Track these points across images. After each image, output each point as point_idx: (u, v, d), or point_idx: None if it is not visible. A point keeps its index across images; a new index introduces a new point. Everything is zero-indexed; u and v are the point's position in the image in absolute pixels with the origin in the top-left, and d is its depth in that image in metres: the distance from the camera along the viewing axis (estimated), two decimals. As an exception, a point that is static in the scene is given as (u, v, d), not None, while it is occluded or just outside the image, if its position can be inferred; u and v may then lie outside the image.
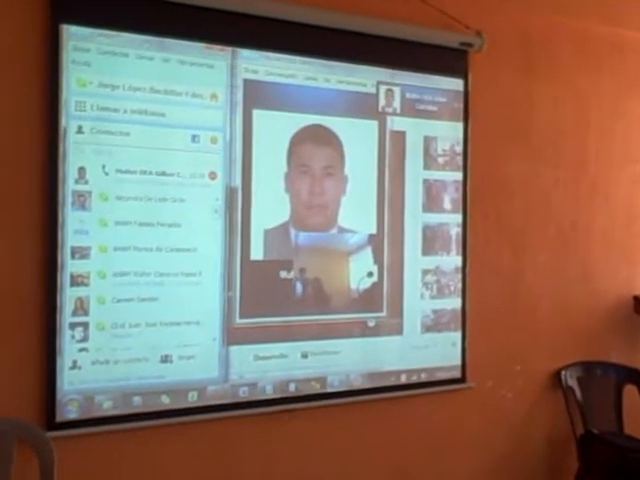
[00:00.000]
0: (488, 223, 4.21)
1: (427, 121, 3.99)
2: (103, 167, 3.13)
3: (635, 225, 4.81)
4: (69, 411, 3.06)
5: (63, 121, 3.05)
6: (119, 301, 3.16)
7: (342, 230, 3.74)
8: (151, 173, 3.23)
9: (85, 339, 3.08)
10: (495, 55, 4.16)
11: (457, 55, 4.07)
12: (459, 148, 4.09)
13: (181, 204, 3.30)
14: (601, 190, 4.64)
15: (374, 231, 3.82)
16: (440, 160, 4.04)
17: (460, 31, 4.03)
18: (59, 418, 3.04)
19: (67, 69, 3.06)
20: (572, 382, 4.38)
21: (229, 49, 3.43)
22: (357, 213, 3.79)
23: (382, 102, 3.85)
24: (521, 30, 4.32)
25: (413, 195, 3.94)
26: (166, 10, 3.26)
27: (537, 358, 4.37)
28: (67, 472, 2.99)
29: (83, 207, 3.09)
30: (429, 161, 4.00)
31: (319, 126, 3.68)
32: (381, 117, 3.85)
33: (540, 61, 4.40)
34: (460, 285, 4.07)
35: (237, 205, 3.45)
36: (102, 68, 3.13)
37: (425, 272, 3.97)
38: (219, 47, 3.41)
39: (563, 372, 4.39)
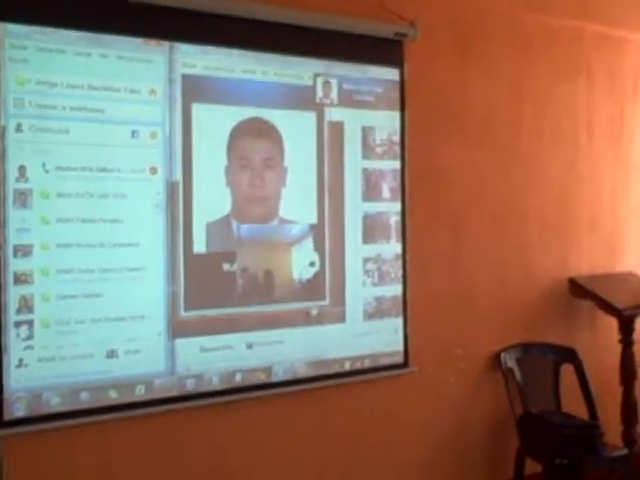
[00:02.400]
0: (427, 210, 4.29)
1: (364, 111, 4.06)
2: (43, 165, 3.12)
3: (569, 208, 4.95)
4: (17, 409, 3.05)
5: (2, 119, 3.04)
6: (63, 298, 3.16)
7: (283, 221, 3.78)
8: (91, 169, 3.24)
9: (30, 337, 3.08)
10: (429, 44, 4.23)
11: (392, 45, 4.13)
12: (397, 137, 4.16)
13: (122, 199, 3.31)
14: (534, 174, 4.76)
15: (315, 221, 3.88)
16: (378, 150, 4.10)
17: (394, 22, 4.09)
18: (7, 416, 3.03)
19: (4, 67, 3.05)
20: (511, 363, 4.49)
21: (166, 44, 3.45)
22: (298, 204, 3.84)
23: (319, 94, 3.91)
24: (454, 19, 4.40)
25: (352, 185, 4.01)
26: (102, 6, 3.27)
27: (477, 341, 4.48)
28: (17, 470, 3.00)
29: (24, 205, 3.08)
30: (367, 151, 4.06)
31: (258, 119, 3.72)
32: (319, 108, 3.91)
33: (473, 49, 4.49)
34: (401, 272, 4.15)
35: (178, 199, 3.47)
36: (40, 65, 3.12)
37: (366, 260, 4.04)
38: (156, 42, 3.42)
39: (502, 354, 4.50)
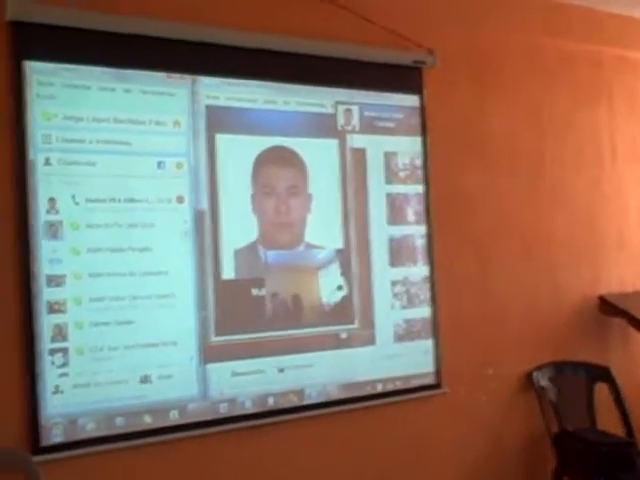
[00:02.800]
0: (452, 233, 4.32)
1: (386, 137, 4.13)
2: (73, 197, 3.22)
3: (597, 228, 4.96)
4: (54, 435, 3.12)
5: (31, 154, 3.14)
6: (96, 325, 3.23)
7: (309, 246, 3.84)
8: (119, 200, 3.33)
9: (65, 364, 3.15)
10: (448, 71, 4.31)
11: (411, 73, 4.22)
12: (419, 162, 4.22)
13: (151, 229, 3.39)
14: (559, 196, 4.79)
15: (341, 246, 3.93)
16: (401, 174, 4.17)
17: (413, 50, 4.17)
18: (44, 442, 3.09)
19: (32, 103, 3.16)
20: (544, 382, 4.48)
21: (189, 77, 3.55)
22: (323, 229, 3.90)
23: (341, 121, 3.99)
24: (472, 45, 4.47)
25: (377, 209, 4.07)
26: (125, 42, 3.38)
27: (508, 361, 4.48)
28: None
29: (55, 236, 3.17)
30: (390, 175, 4.13)
31: (281, 147, 3.80)
32: (341, 135, 3.98)
33: (492, 74, 4.56)
34: (429, 294, 4.18)
35: (206, 227, 3.54)
36: (66, 101, 3.24)
37: (394, 283, 4.08)
38: (179, 76, 3.53)
39: (535, 373, 4.49)
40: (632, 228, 5.11)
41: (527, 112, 4.70)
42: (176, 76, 3.52)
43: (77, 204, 3.23)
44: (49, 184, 3.18)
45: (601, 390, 4.62)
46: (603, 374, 4.63)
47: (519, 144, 4.66)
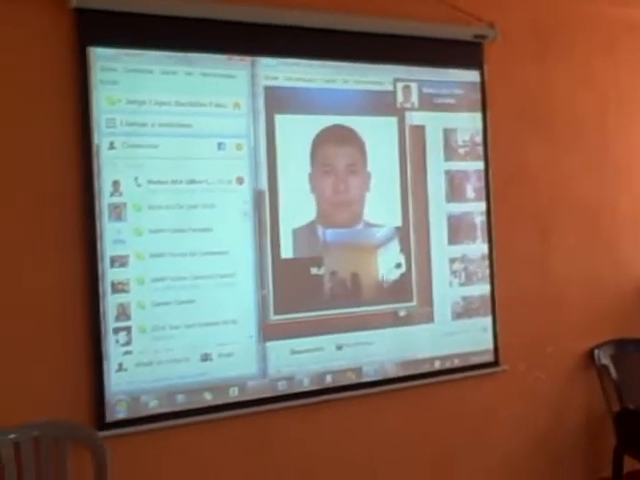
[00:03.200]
0: (512, 210, 4.30)
1: (445, 114, 4.11)
2: (135, 179, 3.30)
3: (661, 205, 4.87)
4: (118, 411, 3.23)
5: (95, 138, 3.23)
6: (158, 305, 3.32)
7: (368, 225, 3.87)
8: (181, 182, 3.40)
9: (129, 342, 3.26)
10: (509, 45, 4.25)
11: (471, 48, 4.17)
12: (479, 138, 4.19)
13: (211, 209, 3.46)
14: (623, 172, 4.70)
15: (399, 224, 3.95)
16: (461, 151, 4.14)
17: (473, 24, 4.12)
18: (109, 418, 3.21)
19: (96, 89, 3.24)
20: (606, 360, 4.45)
21: (249, 59, 3.58)
22: (382, 208, 3.92)
23: (400, 98, 3.98)
24: (533, 18, 4.40)
25: (436, 186, 4.06)
26: (186, 26, 3.42)
27: (568, 339, 4.46)
28: (119, 469, 3.15)
29: (119, 218, 3.27)
30: (450, 152, 4.11)
31: (339, 126, 3.81)
32: (400, 113, 3.97)
33: (554, 47, 4.48)
34: (488, 272, 4.17)
35: (265, 207, 3.60)
36: (129, 85, 3.31)
37: (452, 260, 4.09)
38: (239, 57, 3.56)
39: (596, 351, 4.46)
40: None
41: (591, 86, 4.61)
42: (236, 58, 3.55)
43: (139, 186, 3.31)
44: (113, 167, 3.26)
45: (663, 368, 4.58)
46: (666, 352, 4.58)
47: (583, 119, 4.58)
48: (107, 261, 3.23)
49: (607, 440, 4.37)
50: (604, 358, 4.47)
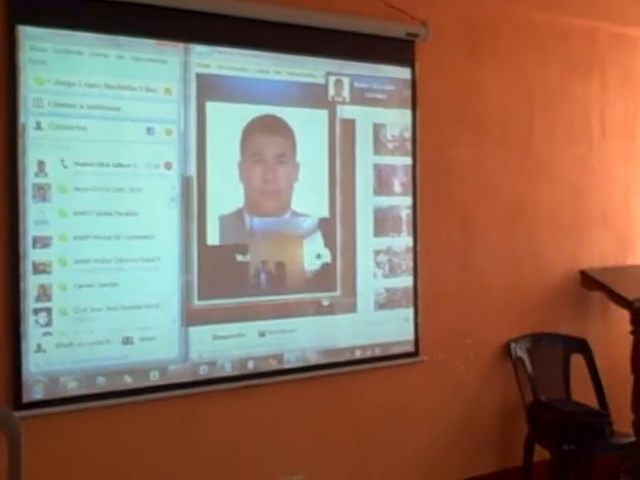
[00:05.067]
0: (438, 205, 4.40)
1: (376, 109, 4.18)
2: (62, 160, 3.29)
3: (582, 203, 5.02)
4: (35, 392, 3.22)
5: (22, 117, 3.21)
6: (81, 287, 3.32)
7: (295, 214, 3.92)
8: (108, 165, 3.40)
9: (49, 324, 3.25)
10: (441, 43, 4.33)
11: (404, 45, 4.25)
12: (408, 134, 4.27)
13: (138, 193, 3.47)
14: (546, 170, 4.85)
15: (326, 214, 4.01)
16: (390, 146, 4.22)
17: (406, 22, 4.19)
18: (26, 399, 3.20)
19: (24, 68, 3.21)
20: (521, 353, 4.59)
21: (181, 45, 3.59)
22: (310, 198, 3.97)
23: (331, 92, 4.03)
24: (465, 18, 4.49)
25: (364, 179, 4.13)
26: (119, 9, 3.41)
27: (488, 331, 4.58)
28: (35, 450, 3.10)
29: (43, 199, 3.25)
30: (379, 147, 4.18)
31: (270, 116, 3.85)
32: (331, 106, 4.03)
33: (485, 48, 4.58)
34: (411, 264, 4.26)
35: (193, 193, 3.62)
36: (58, 66, 3.29)
37: (377, 252, 4.17)
38: (172, 43, 3.57)
39: (512, 344, 4.60)
40: (617, 204, 5.18)
41: (520, 86, 4.74)
42: (168, 44, 3.56)
43: (66, 167, 3.30)
44: (39, 147, 3.24)
45: (577, 362, 4.73)
46: (580, 346, 4.75)
47: (510, 118, 4.71)
48: (29, 241, 3.21)
49: (520, 430, 4.51)
50: (520, 351, 4.61)
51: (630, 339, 4.70)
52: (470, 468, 4.49)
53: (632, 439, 4.45)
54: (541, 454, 4.42)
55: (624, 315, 4.74)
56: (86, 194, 3.34)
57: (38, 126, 3.24)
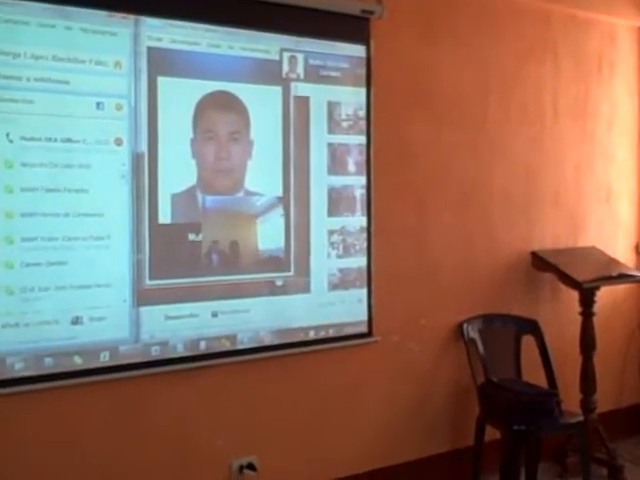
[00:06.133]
0: (392, 185, 4.36)
1: (331, 87, 4.12)
2: (7, 135, 3.17)
3: (534, 184, 5.04)
4: (-20, 373, 3.14)
5: (-35, 89, 3.09)
6: (27, 265, 3.22)
7: (249, 193, 3.86)
8: (56, 140, 3.29)
9: (-6, 303, 3.15)
10: (396, 22, 4.29)
11: (358, 22, 4.19)
12: (362, 113, 4.23)
13: (87, 170, 3.37)
14: (499, 151, 4.84)
15: (280, 193, 3.95)
16: (344, 124, 4.18)
17: (361, -1, 4.15)
18: (-30, 379, 3.11)
19: (-33, 37, 3.09)
20: (474, 334, 4.60)
21: (132, 17, 3.49)
22: (263, 176, 3.91)
23: (286, 68, 3.97)
24: (421, -4, 4.47)
25: (318, 158, 4.08)
26: (67, -22, 3.30)
27: (441, 312, 4.58)
28: None
29: (-12, 174, 3.14)
30: (333, 125, 4.13)
31: (224, 92, 3.78)
32: (285, 83, 3.97)
33: (440, 26, 4.55)
34: (365, 244, 4.23)
35: (144, 170, 3.53)
36: (3, 36, 3.16)
37: (331, 232, 4.13)
38: (122, 15, 3.46)
39: (465, 325, 4.61)
40: (568, 186, 5.21)
41: (474, 66, 4.72)
42: (118, 15, 3.45)
43: (11, 142, 3.18)
44: (-17, 120, 3.13)
45: (528, 342, 4.76)
46: (531, 327, 4.78)
47: (464, 97, 4.69)
48: (-28, 218, 3.11)
49: (472, 410, 4.53)
50: (472, 332, 4.62)
51: (579, 320, 4.76)
52: (423, 448, 4.50)
53: (580, 418, 4.50)
54: (492, 434, 4.44)
55: (574, 296, 4.79)
56: (33, 170, 3.23)
57: (-18, 98, 3.13)
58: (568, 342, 4.82)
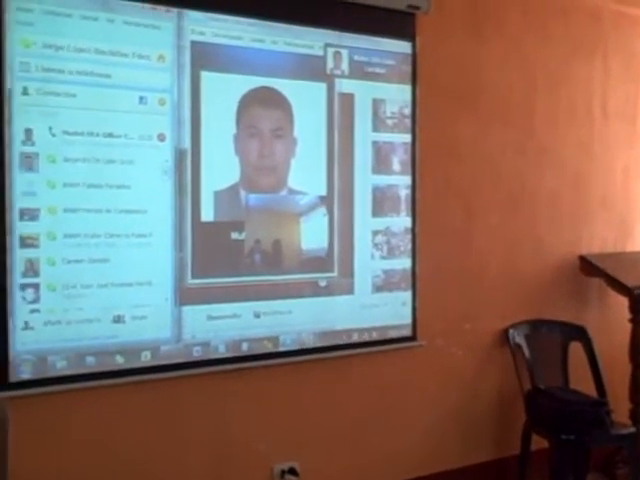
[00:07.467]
0: (438, 185, 4.26)
1: (375, 83, 4.03)
2: (50, 129, 3.11)
3: (582, 187, 4.91)
4: (22, 371, 3.06)
5: (8, 82, 3.02)
6: (70, 262, 3.15)
7: (292, 192, 3.77)
8: (98, 135, 3.22)
9: (36, 300, 3.08)
10: (443, 18, 4.19)
11: (404, 18, 4.09)
12: (408, 110, 4.13)
13: (130, 165, 3.30)
14: (548, 153, 4.72)
15: (324, 192, 3.86)
16: (389, 122, 4.08)
17: (407, -6, 4.05)
18: (12, 378, 3.04)
19: (10, 30, 3.02)
20: (520, 339, 4.48)
21: (175, 10, 3.42)
22: (307, 175, 3.82)
23: (330, 64, 3.88)
24: (468, -7, 4.36)
25: (362, 157, 3.99)
26: (110, -30, 3.24)
27: (486, 317, 4.47)
28: (22, 431, 2.96)
29: (31, 169, 3.07)
30: (378, 123, 4.04)
31: (267, 88, 3.70)
32: (329, 79, 3.88)
33: (487, 23, 4.44)
34: (410, 246, 4.13)
35: (186, 167, 3.46)
36: (46, 28, 3.10)
37: (375, 233, 4.03)
38: (165, 8, 3.40)
39: (511, 330, 4.49)
40: (617, 189, 5.07)
41: (522, 65, 4.60)
42: (162, 8, 3.39)
43: (54, 136, 3.12)
44: (26, 114, 3.06)
45: (576, 349, 4.63)
46: (578, 333, 4.64)
47: (512, 97, 4.57)
48: (16, 213, 3.04)
49: (518, 418, 4.40)
50: (518, 337, 4.50)
51: (629, 327, 4.61)
52: (467, 456, 4.39)
53: (632, 430, 4.36)
54: (539, 443, 4.31)
55: (623, 302, 4.63)
56: (75, 165, 3.17)
57: (25, 92, 3.06)
58: (617, 350, 4.65)
